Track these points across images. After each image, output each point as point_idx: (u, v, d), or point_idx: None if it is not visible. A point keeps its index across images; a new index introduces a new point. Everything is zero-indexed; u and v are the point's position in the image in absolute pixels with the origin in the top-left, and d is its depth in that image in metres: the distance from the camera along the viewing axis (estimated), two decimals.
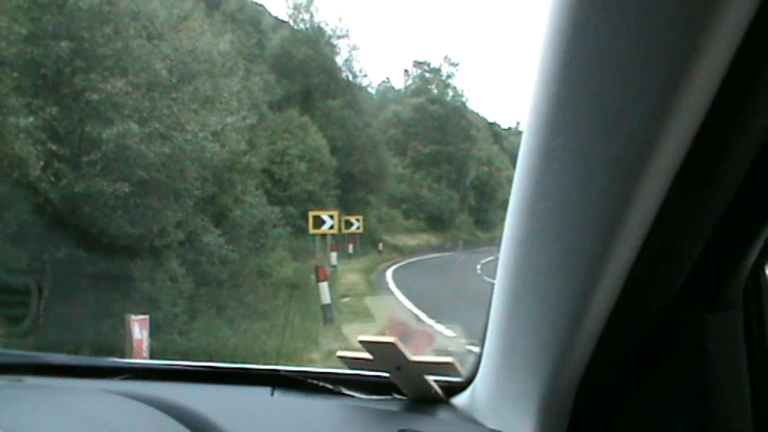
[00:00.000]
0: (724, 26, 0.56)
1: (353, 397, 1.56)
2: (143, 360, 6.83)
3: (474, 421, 1.35)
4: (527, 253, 0.86)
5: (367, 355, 1.43)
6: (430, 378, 1.46)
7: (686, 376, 0.89)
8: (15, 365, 1.82)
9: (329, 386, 1.58)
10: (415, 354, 1.41)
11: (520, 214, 0.83)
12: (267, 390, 1.62)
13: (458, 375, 1.43)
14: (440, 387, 1.47)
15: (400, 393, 1.51)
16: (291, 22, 33.93)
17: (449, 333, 6.24)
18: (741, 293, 0.86)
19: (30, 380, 1.70)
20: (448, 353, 1.49)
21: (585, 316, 0.83)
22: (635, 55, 0.60)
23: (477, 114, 51.90)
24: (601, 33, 0.60)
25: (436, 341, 1.91)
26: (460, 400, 1.44)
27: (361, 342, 1.40)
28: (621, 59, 0.61)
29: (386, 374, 1.47)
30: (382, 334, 1.48)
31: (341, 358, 1.56)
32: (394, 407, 1.49)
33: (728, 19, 0.55)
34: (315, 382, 1.60)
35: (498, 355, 1.10)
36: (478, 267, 21.37)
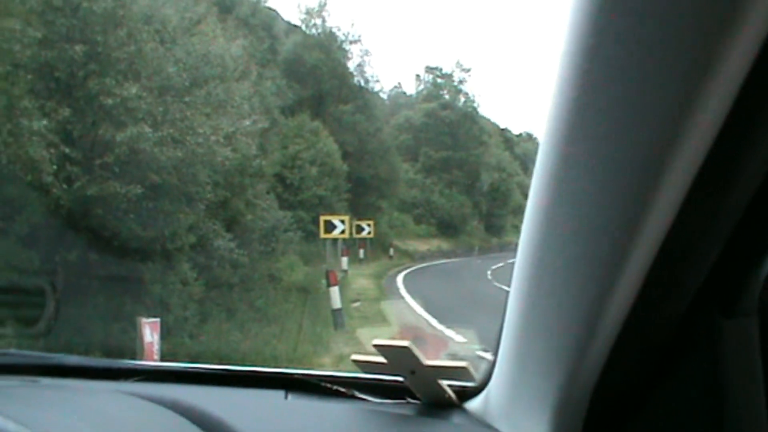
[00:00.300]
0: (744, 32, 0.56)
1: (367, 400, 1.56)
2: (156, 362, 6.84)
3: (488, 426, 1.35)
4: (543, 258, 0.86)
5: (381, 359, 1.43)
6: (444, 382, 1.46)
7: (701, 383, 0.89)
8: (30, 366, 1.83)
9: (343, 390, 1.58)
10: (428, 358, 1.41)
11: (537, 219, 0.83)
12: (280, 393, 1.62)
13: (472, 379, 1.43)
14: (454, 391, 1.47)
15: (413, 397, 1.51)
16: (303, 27, 34.06)
17: (460, 338, 6.22)
18: (757, 299, 0.86)
19: (45, 381, 1.71)
20: (459, 358, 1.49)
21: (600, 321, 0.83)
22: (655, 61, 0.60)
23: (489, 120, 51.97)
24: (621, 39, 0.61)
25: (448, 346, 1.91)
26: (473, 404, 1.44)
27: (376, 346, 1.40)
28: (640, 65, 0.61)
29: (400, 378, 1.47)
30: (395, 338, 1.48)
31: (355, 361, 1.56)
32: (407, 411, 1.49)
33: (749, 24, 0.55)
34: (329, 385, 1.60)
35: (512, 359, 1.10)
36: (489, 273, 21.34)
